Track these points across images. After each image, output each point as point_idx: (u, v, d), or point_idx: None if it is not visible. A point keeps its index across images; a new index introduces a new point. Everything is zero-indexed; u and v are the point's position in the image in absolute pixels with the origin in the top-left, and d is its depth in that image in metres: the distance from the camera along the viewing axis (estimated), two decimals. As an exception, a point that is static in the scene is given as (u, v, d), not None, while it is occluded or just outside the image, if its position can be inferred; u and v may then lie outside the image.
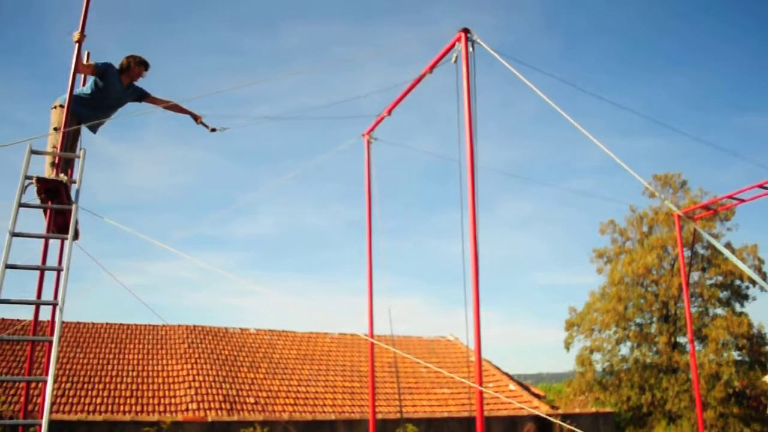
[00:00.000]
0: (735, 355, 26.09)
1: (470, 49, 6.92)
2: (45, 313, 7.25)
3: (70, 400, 14.34)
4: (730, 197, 11.78)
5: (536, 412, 14.02)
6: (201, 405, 14.69)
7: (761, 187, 10.81)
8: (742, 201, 11.75)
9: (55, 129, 6.57)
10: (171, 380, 15.91)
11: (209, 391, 15.41)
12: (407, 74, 8.15)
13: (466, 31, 7.01)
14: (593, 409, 19.75)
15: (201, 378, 16.00)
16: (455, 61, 7.07)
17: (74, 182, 6.12)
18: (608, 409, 19.45)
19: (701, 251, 27.18)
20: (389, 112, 9.04)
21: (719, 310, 27.28)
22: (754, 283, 26.58)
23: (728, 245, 27.14)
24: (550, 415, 12.25)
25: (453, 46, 7.20)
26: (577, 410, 20.52)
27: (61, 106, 6.64)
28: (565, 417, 15.45)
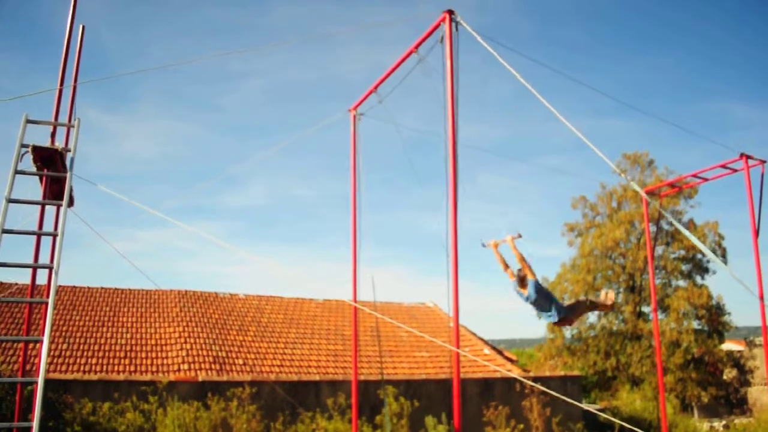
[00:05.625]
0: (695, 324, 26.63)
1: (454, 29, 6.86)
2: (42, 277, 7.17)
3: (66, 360, 14.29)
4: (694, 176, 11.88)
5: (509, 374, 14.21)
6: (192, 366, 14.71)
7: (723, 167, 10.92)
8: (705, 180, 11.86)
9: None
10: (163, 342, 15.90)
11: (200, 352, 15.43)
12: (393, 53, 8.07)
13: (450, 12, 6.94)
14: (562, 373, 20.04)
15: (192, 340, 16.00)
16: (441, 41, 7.01)
17: (69, 151, 6.03)
18: (576, 373, 19.76)
19: (666, 227, 27.49)
20: (376, 89, 8.96)
21: (681, 282, 27.75)
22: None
23: (691, 222, 27.51)
24: (522, 377, 12.42)
25: (438, 26, 7.14)
26: (547, 373, 20.81)
27: None
28: (535, 379, 15.67)
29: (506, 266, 7.05)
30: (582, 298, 7.02)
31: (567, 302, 7.12)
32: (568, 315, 6.98)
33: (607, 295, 7.53)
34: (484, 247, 7.31)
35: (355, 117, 9.72)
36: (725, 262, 26.81)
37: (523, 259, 6.71)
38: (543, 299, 6.79)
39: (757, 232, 10.25)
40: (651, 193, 14.67)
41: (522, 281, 6.78)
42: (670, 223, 27.30)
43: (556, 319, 6.89)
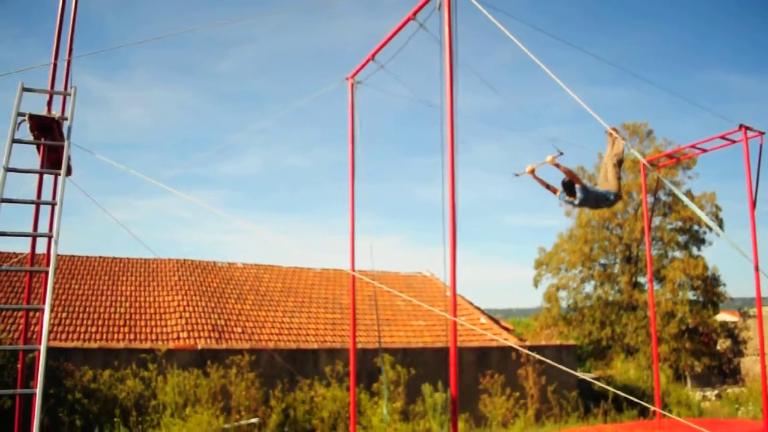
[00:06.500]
0: (690, 294, 26.78)
1: (453, -4, 6.78)
2: (41, 247, 7.20)
3: (66, 328, 14.41)
4: (693, 147, 11.85)
5: (505, 343, 14.37)
6: (191, 334, 14.85)
7: (722, 138, 10.88)
8: (704, 151, 11.84)
9: None
10: (162, 311, 16.02)
11: (199, 320, 15.56)
12: (392, 23, 7.97)
13: (448, -22, 6.85)
14: (557, 342, 20.26)
15: (191, 309, 16.12)
16: (439, 8, 6.94)
17: (66, 119, 6.01)
18: (571, 342, 19.97)
19: (663, 198, 27.54)
20: (373, 57, 8.88)
21: (677, 253, 27.85)
22: (710, 228, 27.07)
23: (688, 192, 27.50)
24: (518, 346, 12.55)
25: (436, -8, 7.06)
26: (543, 342, 21.05)
27: None
28: (531, 348, 15.84)
29: (547, 186, 7.40)
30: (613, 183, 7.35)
31: (604, 187, 7.53)
32: (618, 193, 7.45)
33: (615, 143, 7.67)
34: (517, 176, 7.42)
35: (352, 85, 9.65)
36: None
37: (570, 171, 7.02)
38: (594, 198, 7.31)
39: (753, 204, 10.26)
40: (650, 164, 14.65)
41: (568, 189, 7.18)
42: (668, 194, 27.37)
43: (613, 201, 7.51)
